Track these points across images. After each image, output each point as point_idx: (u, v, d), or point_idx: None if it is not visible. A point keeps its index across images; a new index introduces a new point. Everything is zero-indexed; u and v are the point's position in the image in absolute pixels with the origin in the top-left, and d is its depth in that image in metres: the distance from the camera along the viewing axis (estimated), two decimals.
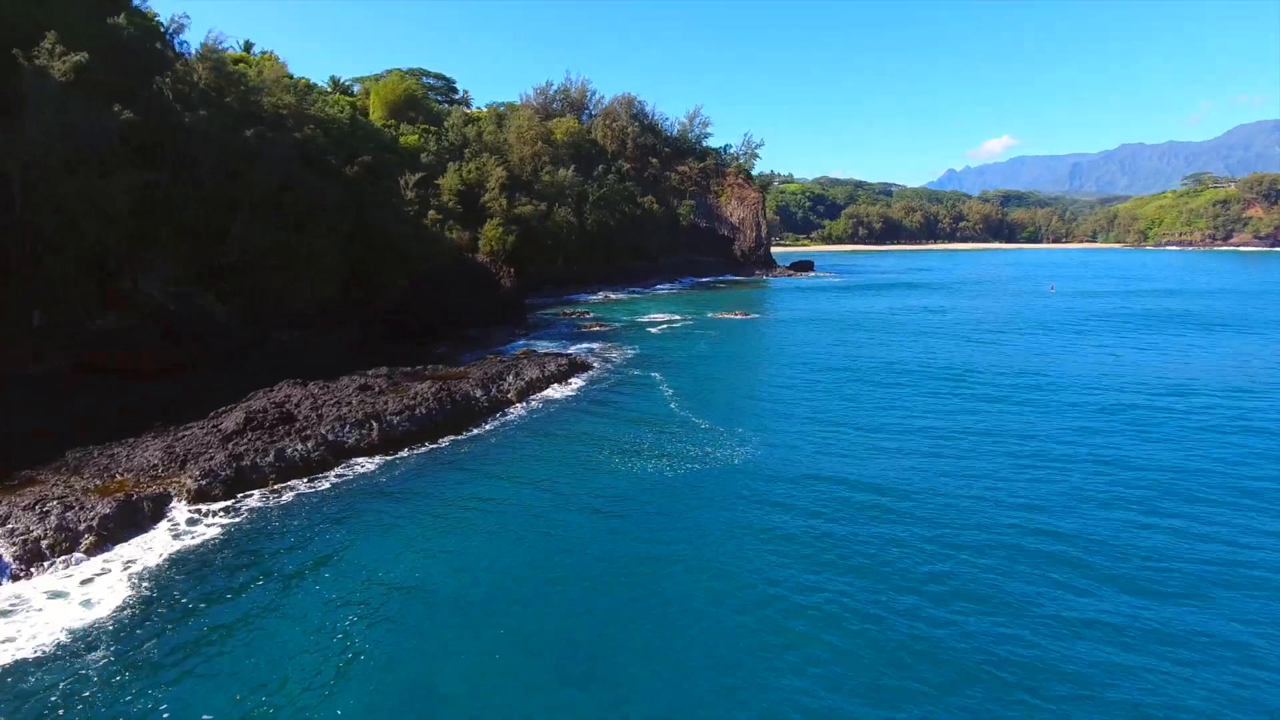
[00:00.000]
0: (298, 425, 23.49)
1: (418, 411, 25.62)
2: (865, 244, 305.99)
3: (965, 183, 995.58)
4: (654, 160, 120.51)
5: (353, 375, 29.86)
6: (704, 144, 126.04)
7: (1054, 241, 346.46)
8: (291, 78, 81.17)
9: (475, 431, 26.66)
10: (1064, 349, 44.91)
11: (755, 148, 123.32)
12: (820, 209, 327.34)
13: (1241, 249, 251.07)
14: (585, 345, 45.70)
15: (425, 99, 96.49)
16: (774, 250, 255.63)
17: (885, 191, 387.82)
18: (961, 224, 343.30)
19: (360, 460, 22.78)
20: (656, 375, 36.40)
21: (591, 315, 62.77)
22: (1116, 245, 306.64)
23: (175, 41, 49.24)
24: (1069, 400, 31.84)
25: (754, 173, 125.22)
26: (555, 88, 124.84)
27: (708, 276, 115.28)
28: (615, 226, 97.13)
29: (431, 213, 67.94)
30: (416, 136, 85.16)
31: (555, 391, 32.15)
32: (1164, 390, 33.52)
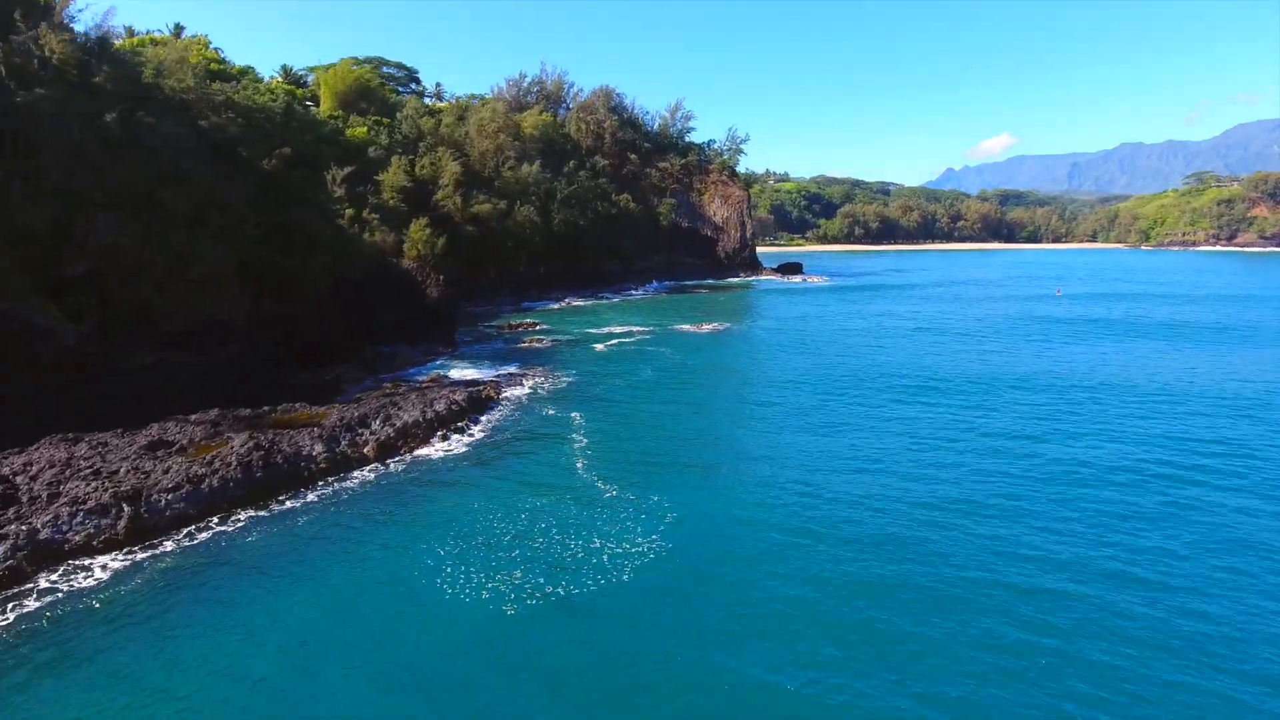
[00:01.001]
0: (11, 512, 16.61)
1: (208, 483, 18.81)
2: (862, 244, 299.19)
3: (964, 182, 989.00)
4: (633, 157, 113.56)
5: (165, 422, 22.95)
6: (686, 139, 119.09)
7: (1054, 241, 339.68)
8: (223, 63, 74.54)
9: (290, 505, 19.85)
10: (1098, 379, 37.80)
11: (739, 143, 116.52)
12: (816, 208, 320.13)
13: (1247, 250, 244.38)
14: (511, 369, 38.91)
15: (380, 89, 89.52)
16: (766, 250, 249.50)
17: (883, 191, 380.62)
18: (960, 223, 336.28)
19: (84, 564, 15.93)
20: (576, 416, 29.54)
21: (541, 327, 55.94)
22: (1117, 245, 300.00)
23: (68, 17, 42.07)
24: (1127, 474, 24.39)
25: (739, 169, 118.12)
26: (529, 79, 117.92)
27: (689, 279, 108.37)
28: (587, 227, 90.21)
29: (366, 212, 61.05)
30: (365, 129, 78.23)
31: (434, 445, 25.24)
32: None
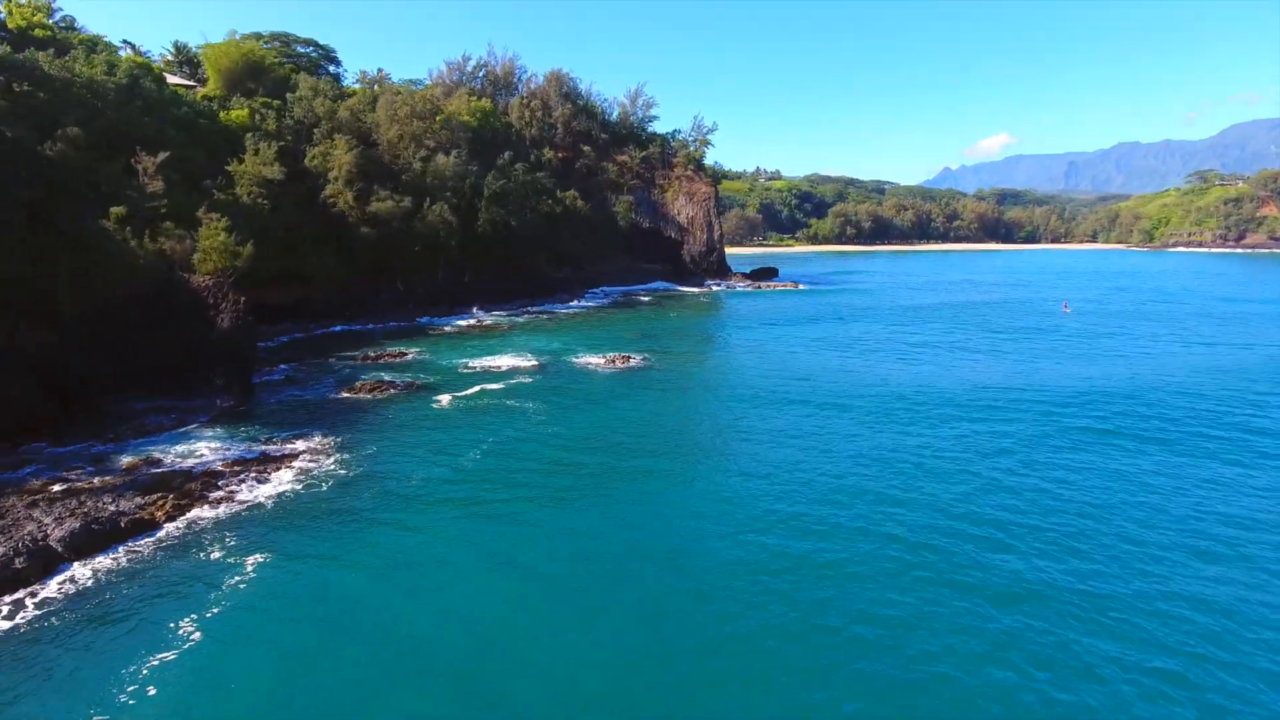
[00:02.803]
0: None
1: None
2: (854, 244, 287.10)
3: (961, 181, 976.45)
4: (586, 149, 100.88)
5: None
6: (649, 129, 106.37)
7: (1053, 241, 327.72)
8: (50, 28, 61.69)
9: None
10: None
11: (706, 132, 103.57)
12: (808, 207, 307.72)
13: (1257, 251, 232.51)
14: (296, 441, 26.54)
15: (277, 68, 76.73)
16: (753, 252, 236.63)
17: (878, 190, 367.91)
18: (956, 223, 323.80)
19: None
20: (250, 561, 16.93)
21: (409, 357, 43.35)
22: (1120, 246, 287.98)
23: None
24: None
25: (706, 162, 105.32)
26: (474, 62, 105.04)
27: (648, 286, 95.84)
28: (521, 228, 77.48)
29: (201, 211, 48.21)
30: (246, 112, 65.45)
31: None
32: None
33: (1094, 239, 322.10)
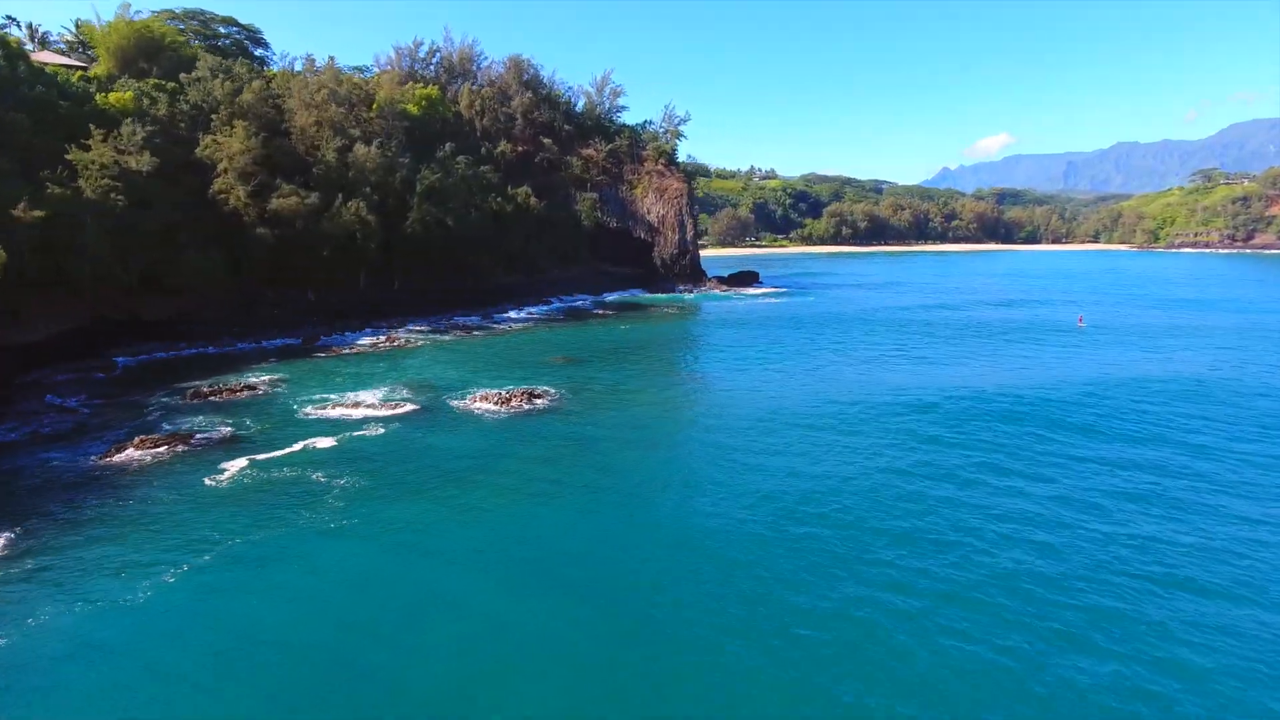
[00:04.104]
0: None
1: None
2: (849, 245, 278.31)
3: (960, 181, 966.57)
4: (547, 141, 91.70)
5: None
6: (618, 120, 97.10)
7: (1053, 242, 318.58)
8: None
9: None
10: None
11: (678, 123, 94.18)
12: (803, 206, 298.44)
13: (1268, 252, 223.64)
14: None
15: (182, 47, 67.53)
16: (742, 253, 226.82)
17: (875, 189, 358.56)
18: (954, 223, 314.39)
19: None
20: None
21: (257, 392, 34.21)
22: (1123, 247, 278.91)
23: None
24: None
25: (680, 156, 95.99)
26: (427, 47, 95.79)
27: (611, 293, 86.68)
28: (460, 227, 68.31)
29: (21, 208, 39.24)
30: (130, 94, 56.24)
31: None
32: None
33: (1096, 239, 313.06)
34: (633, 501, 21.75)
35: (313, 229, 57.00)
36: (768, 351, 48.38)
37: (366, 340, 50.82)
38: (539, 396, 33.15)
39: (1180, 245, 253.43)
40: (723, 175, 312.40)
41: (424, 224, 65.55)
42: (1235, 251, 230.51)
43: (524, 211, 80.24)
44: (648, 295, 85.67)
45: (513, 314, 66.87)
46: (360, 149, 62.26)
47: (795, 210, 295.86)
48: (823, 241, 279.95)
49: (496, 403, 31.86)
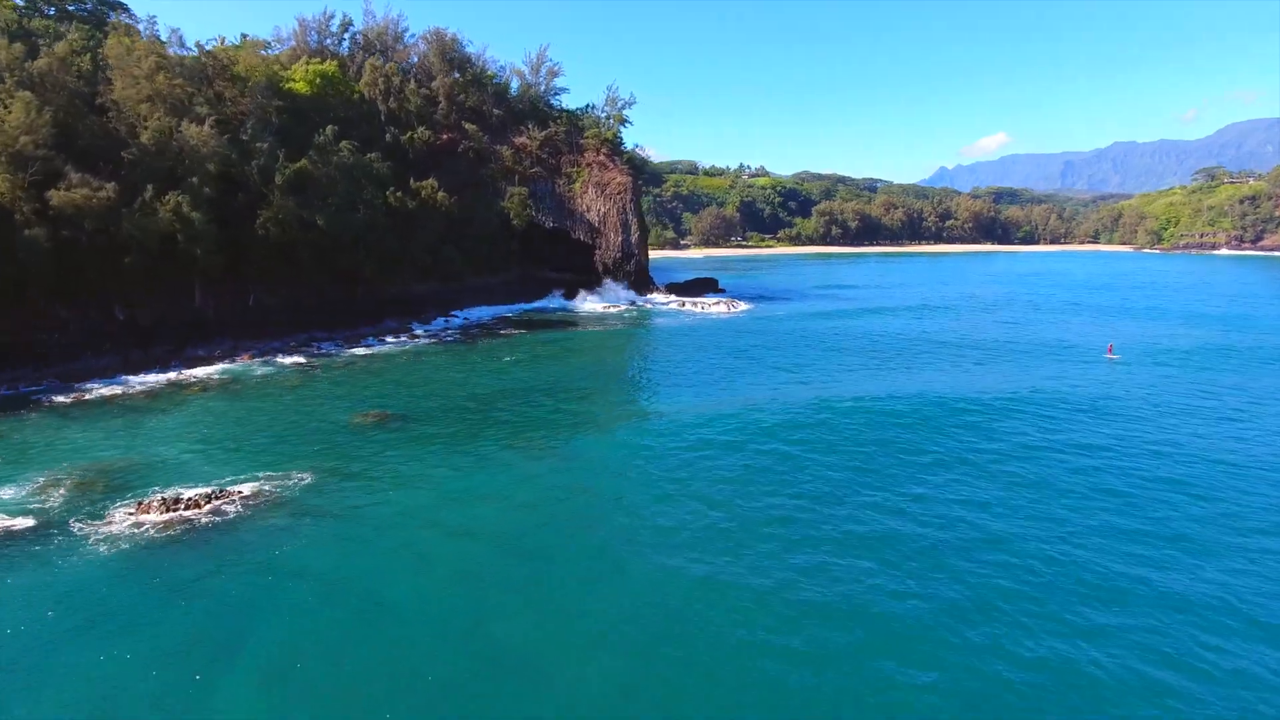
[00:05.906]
0: None
1: None
2: (839, 245, 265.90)
3: (956, 180, 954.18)
4: (470, 127, 78.90)
5: None
6: (556, 103, 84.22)
7: (1052, 242, 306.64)
8: None
9: None
10: None
11: (622, 106, 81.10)
12: (792, 205, 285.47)
13: (1278, 253, 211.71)
14: None
15: None
16: (724, 253, 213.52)
17: (869, 187, 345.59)
18: (949, 223, 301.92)
19: None
20: None
21: None
22: (1126, 247, 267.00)
23: None
24: None
25: (625, 145, 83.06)
26: (340, 20, 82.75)
27: (534, 305, 73.99)
28: (334, 227, 55.48)
29: None
30: None
31: None
32: None
33: (1095, 240, 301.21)
34: None
35: (106, 229, 44.11)
36: (677, 398, 35.64)
37: (151, 378, 37.91)
38: (234, 503, 20.38)
39: (1186, 246, 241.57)
40: (710, 173, 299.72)
41: (282, 223, 52.73)
42: (1244, 253, 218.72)
43: (431, 208, 67.43)
44: (576, 308, 72.80)
45: (390, 337, 53.92)
46: (191, 128, 49.35)
47: (785, 209, 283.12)
48: (811, 242, 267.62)
49: (160, 514, 19.13)
